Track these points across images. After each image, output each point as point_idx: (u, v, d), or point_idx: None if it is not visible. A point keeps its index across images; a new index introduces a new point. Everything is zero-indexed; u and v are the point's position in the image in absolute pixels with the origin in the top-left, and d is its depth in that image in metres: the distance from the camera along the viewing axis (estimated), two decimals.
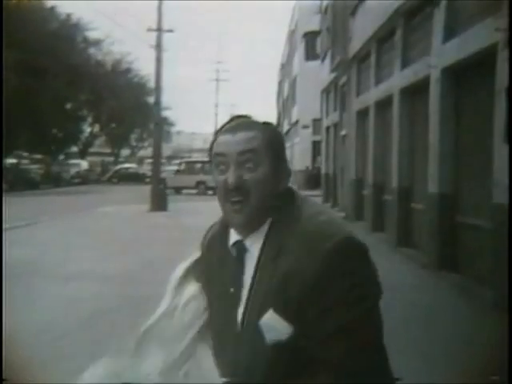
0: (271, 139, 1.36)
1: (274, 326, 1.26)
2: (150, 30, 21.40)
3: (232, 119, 1.42)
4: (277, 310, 1.27)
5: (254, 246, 1.36)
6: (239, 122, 1.39)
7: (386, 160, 12.92)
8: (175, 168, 33.37)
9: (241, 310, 1.36)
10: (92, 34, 42.89)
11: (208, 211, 18.82)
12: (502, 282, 6.03)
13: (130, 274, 8.55)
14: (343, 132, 18.21)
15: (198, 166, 31.99)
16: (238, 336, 1.35)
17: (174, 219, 17.00)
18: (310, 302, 1.24)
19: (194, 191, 30.71)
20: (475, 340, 5.53)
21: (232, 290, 1.38)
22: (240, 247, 1.39)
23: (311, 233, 1.28)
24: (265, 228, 1.36)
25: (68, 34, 38.98)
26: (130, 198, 25.33)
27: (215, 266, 1.46)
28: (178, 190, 29.92)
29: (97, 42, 44.15)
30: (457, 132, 8.78)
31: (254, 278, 1.34)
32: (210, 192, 29.75)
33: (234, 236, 1.41)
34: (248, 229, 1.36)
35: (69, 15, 39.90)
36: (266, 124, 1.40)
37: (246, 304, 1.35)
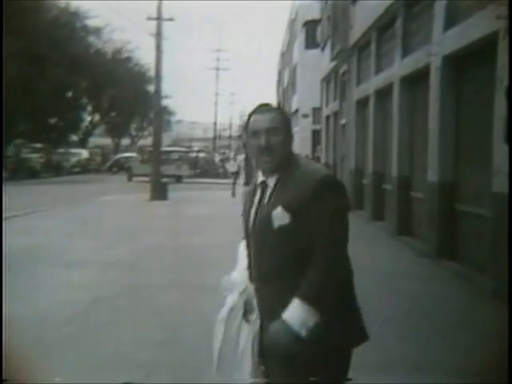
0: (284, 118, 2.31)
1: (280, 215, 2.15)
2: (149, 18, 21.25)
3: (259, 106, 2.32)
4: (283, 207, 2.15)
5: (271, 182, 2.27)
6: (265, 108, 2.31)
7: (386, 149, 12.92)
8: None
9: (259, 217, 2.28)
10: (92, 22, 42.60)
11: (207, 200, 18.72)
12: (502, 271, 6.06)
13: (130, 262, 8.57)
14: (343, 121, 18.19)
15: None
16: (256, 228, 2.28)
17: (175, 208, 17.03)
18: (304, 207, 2.12)
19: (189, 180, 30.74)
20: (474, 328, 5.56)
21: (255, 207, 2.32)
22: (264, 184, 2.30)
23: (304, 172, 2.19)
24: (279, 172, 2.25)
25: (67, 21, 38.73)
26: (130, 187, 25.34)
27: (249, 198, 2.40)
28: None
29: (97, 30, 43.78)
30: (457, 120, 8.77)
31: (270, 196, 2.25)
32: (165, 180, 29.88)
33: (260, 178, 2.33)
34: (271, 172, 2.27)
35: (68, 3, 39.70)
36: (280, 109, 2.42)
37: (262, 211, 2.26)
